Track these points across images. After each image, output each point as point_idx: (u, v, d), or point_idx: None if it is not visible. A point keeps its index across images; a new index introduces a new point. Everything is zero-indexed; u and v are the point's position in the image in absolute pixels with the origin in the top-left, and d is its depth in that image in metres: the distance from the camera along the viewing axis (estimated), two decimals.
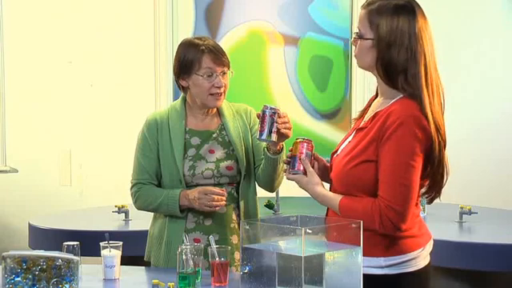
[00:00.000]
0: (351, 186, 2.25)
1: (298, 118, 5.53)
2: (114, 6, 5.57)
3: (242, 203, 2.90)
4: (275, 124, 2.38)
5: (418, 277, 2.28)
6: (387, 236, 2.23)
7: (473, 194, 4.95)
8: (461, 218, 4.02)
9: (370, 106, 2.41)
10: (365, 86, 5.12)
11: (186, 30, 5.55)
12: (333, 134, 5.48)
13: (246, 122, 2.94)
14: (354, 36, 2.32)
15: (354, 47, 2.33)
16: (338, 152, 2.36)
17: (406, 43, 2.20)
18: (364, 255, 2.18)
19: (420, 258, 2.28)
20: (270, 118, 2.38)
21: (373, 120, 2.25)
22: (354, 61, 2.38)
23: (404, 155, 2.15)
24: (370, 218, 2.18)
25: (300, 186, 2.34)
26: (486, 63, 5.39)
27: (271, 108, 2.41)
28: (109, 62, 5.55)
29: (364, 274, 2.18)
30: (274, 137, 2.38)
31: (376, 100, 2.37)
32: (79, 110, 5.57)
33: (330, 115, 5.55)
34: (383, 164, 2.18)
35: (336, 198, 2.27)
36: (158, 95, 5.56)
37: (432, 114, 2.19)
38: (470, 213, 4.00)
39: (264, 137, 2.40)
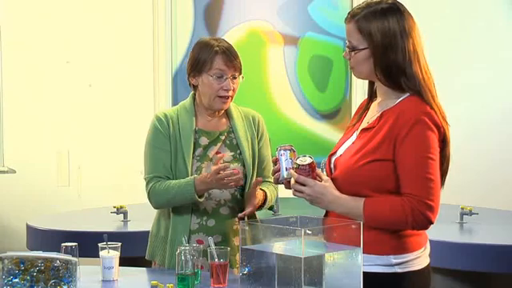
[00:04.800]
0: (360, 184, 2.24)
1: (298, 118, 5.52)
2: (113, 5, 5.57)
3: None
4: (288, 161, 2.36)
5: (422, 276, 2.29)
6: (395, 234, 2.23)
7: (473, 194, 4.94)
8: (461, 218, 4.01)
9: (367, 109, 2.41)
10: (365, 86, 5.09)
11: (185, 29, 5.55)
12: (333, 134, 5.47)
13: (253, 129, 2.93)
14: (346, 50, 2.32)
15: (348, 60, 2.34)
16: (340, 153, 2.35)
17: (400, 43, 2.22)
18: (372, 253, 2.19)
19: (423, 257, 2.29)
20: (281, 157, 2.35)
21: (380, 120, 2.25)
22: None
23: (424, 151, 2.17)
24: (402, 215, 2.17)
25: (312, 200, 2.27)
26: (486, 63, 5.39)
27: (281, 148, 2.38)
28: (107, 61, 5.54)
29: (372, 273, 2.19)
30: (288, 174, 2.35)
31: (376, 101, 2.36)
32: (77, 110, 5.56)
33: (330, 115, 5.55)
34: (405, 162, 2.18)
35: (358, 200, 2.23)
36: (156, 95, 5.55)
37: (437, 107, 2.23)
38: (470, 213, 3.99)
39: (281, 178, 2.37)
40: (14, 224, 5.38)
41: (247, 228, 2.23)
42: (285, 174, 2.32)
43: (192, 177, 2.75)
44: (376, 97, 2.40)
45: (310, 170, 2.25)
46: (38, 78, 5.57)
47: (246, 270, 2.19)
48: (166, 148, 2.84)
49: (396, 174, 2.20)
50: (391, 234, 2.23)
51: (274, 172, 2.37)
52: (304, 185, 2.25)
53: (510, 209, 4.70)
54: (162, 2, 5.52)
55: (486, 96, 5.40)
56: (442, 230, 3.76)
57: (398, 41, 2.22)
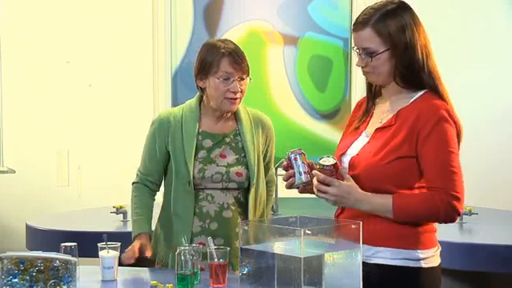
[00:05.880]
0: (385, 181, 2.25)
1: (298, 118, 5.52)
2: (112, 5, 5.56)
3: (250, 209, 2.87)
4: (303, 164, 2.35)
5: (437, 273, 2.32)
6: (419, 229, 2.26)
7: (473, 194, 4.92)
8: (461, 218, 4.00)
9: (369, 110, 2.41)
10: (364, 86, 5.11)
11: (185, 29, 5.55)
12: (332, 134, 5.47)
13: (260, 134, 2.92)
14: (361, 58, 2.30)
15: (361, 68, 2.33)
16: (353, 153, 2.33)
17: (417, 38, 2.26)
18: (398, 247, 2.23)
19: (437, 256, 2.33)
20: (294, 161, 2.34)
21: (397, 118, 2.28)
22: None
23: (448, 145, 2.22)
24: (433, 208, 2.21)
25: (337, 200, 2.25)
26: (486, 63, 5.38)
27: (292, 152, 2.37)
28: (107, 61, 5.54)
29: (395, 266, 2.22)
30: (305, 177, 2.34)
31: (385, 102, 2.37)
32: (77, 110, 5.56)
33: (330, 115, 5.54)
34: (430, 157, 2.22)
35: (386, 196, 2.25)
36: (156, 95, 5.55)
37: (449, 101, 2.28)
38: (470, 213, 3.99)
39: (297, 182, 2.35)
40: (14, 224, 5.37)
41: (247, 228, 2.23)
42: (302, 177, 2.31)
43: (138, 232, 2.86)
44: (378, 97, 2.41)
45: (334, 171, 2.24)
46: (38, 77, 5.57)
47: (246, 270, 2.19)
48: (156, 155, 2.89)
49: (418, 170, 2.24)
50: (416, 229, 2.26)
51: (287, 178, 2.34)
52: (328, 185, 2.24)
53: (509, 209, 4.70)
54: (162, 1, 5.52)
55: (486, 96, 5.39)
56: (442, 229, 3.74)
57: (416, 36, 2.26)
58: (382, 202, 2.24)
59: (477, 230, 3.89)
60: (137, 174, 2.96)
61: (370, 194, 2.25)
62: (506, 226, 4.11)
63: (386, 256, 2.24)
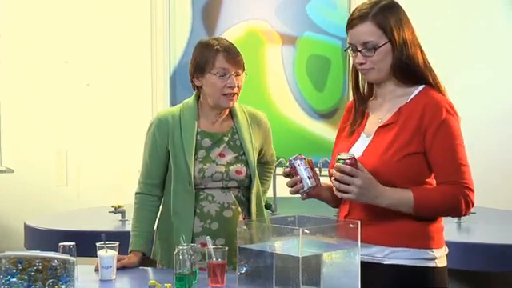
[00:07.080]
0: (396, 178, 2.23)
1: (296, 117, 5.52)
2: (111, 4, 5.56)
3: (253, 207, 2.88)
4: (307, 169, 2.34)
5: (446, 271, 2.33)
6: (432, 227, 2.28)
7: None
8: (459, 218, 4.00)
9: (363, 111, 2.40)
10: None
11: (183, 29, 5.55)
12: (331, 134, 5.46)
13: (257, 131, 2.94)
14: (361, 54, 2.28)
15: (363, 64, 2.31)
16: (356, 154, 2.27)
17: (411, 33, 2.28)
18: (414, 247, 2.23)
19: (445, 254, 2.34)
20: (298, 167, 2.33)
21: (399, 115, 2.27)
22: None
23: (458, 139, 2.26)
24: (455, 202, 2.23)
25: (361, 192, 2.19)
26: (486, 63, 5.38)
27: (295, 158, 2.35)
28: (105, 61, 5.54)
29: (415, 266, 2.23)
30: (312, 181, 2.33)
31: (379, 101, 2.37)
32: (75, 109, 5.56)
33: (328, 115, 5.54)
34: (441, 153, 2.24)
35: (404, 191, 2.23)
36: (154, 95, 5.55)
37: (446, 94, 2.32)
38: None
39: (306, 188, 2.34)
40: (12, 223, 5.37)
41: (245, 227, 2.23)
42: (308, 183, 2.30)
43: (131, 249, 2.86)
44: (368, 99, 2.41)
45: (355, 165, 2.20)
46: (37, 77, 5.56)
47: (244, 269, 2.19)
48: (158, 157, 2.88)
49: (428, 166, 2.26)
50: (429, 228, 2.27)
51: (292, 184, 2.32)
52: (353, 177, 2.18)
53: (508, 208, 4.70)
54: (161, 1, 5.52)
55: (486, 96, 5.39)
56: None
57: (411, 31, 2.28)
58: (401, 196, 2.21)
59: (475, 230, 3.89)
60: (138, 183, 2.94)
61: (388, 188, 2.21)
62: (504, 225, 4.11)
63: (402, 256, 2.23)
